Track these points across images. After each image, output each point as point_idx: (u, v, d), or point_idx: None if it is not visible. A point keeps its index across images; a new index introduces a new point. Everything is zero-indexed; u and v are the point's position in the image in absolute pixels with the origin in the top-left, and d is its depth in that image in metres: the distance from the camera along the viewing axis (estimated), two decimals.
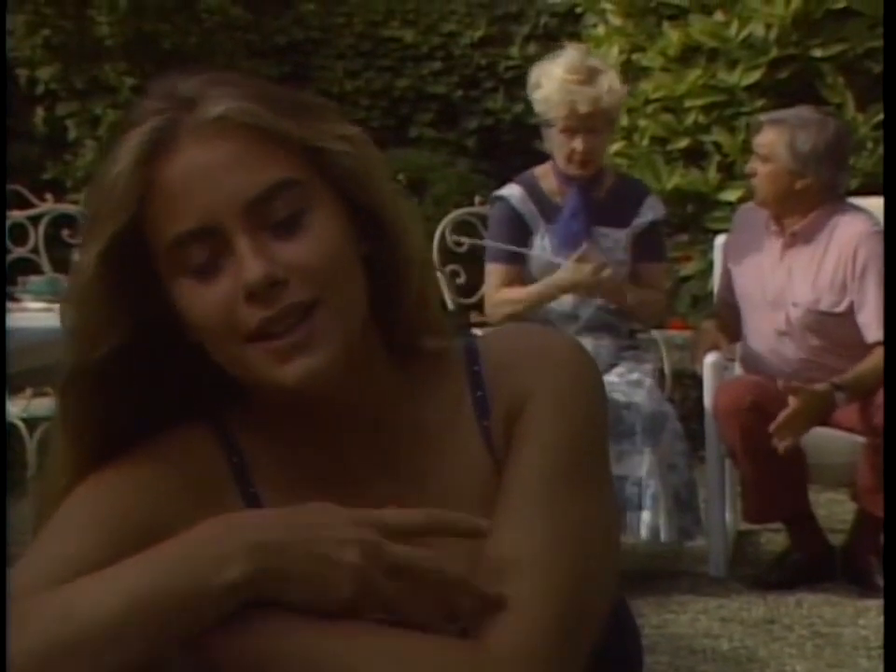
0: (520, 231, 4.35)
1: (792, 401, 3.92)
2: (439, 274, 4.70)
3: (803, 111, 4.32)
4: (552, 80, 4.31)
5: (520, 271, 4.35)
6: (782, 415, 3.91)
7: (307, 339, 1.16)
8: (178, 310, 1.20)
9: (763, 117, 4.51)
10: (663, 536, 4.07)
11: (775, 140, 4.21)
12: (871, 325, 4.06)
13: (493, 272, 4.41)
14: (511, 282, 4.35)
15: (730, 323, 4.44)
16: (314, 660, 1.11)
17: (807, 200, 4.18)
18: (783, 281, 4.22)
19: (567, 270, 4.25)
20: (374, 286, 1.22)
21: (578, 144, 4.28)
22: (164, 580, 1.08)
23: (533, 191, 4.38)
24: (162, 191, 1.17)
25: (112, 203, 1.17)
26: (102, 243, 1.18)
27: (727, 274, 4.48)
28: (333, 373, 1.17)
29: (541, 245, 4.33)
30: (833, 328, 4.15)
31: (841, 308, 4.12)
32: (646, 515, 4.06)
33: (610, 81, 4.33)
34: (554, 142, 4.35)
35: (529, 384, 1.25)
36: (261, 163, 1.17)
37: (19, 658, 1.05)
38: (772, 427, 3.91)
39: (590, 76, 4.31)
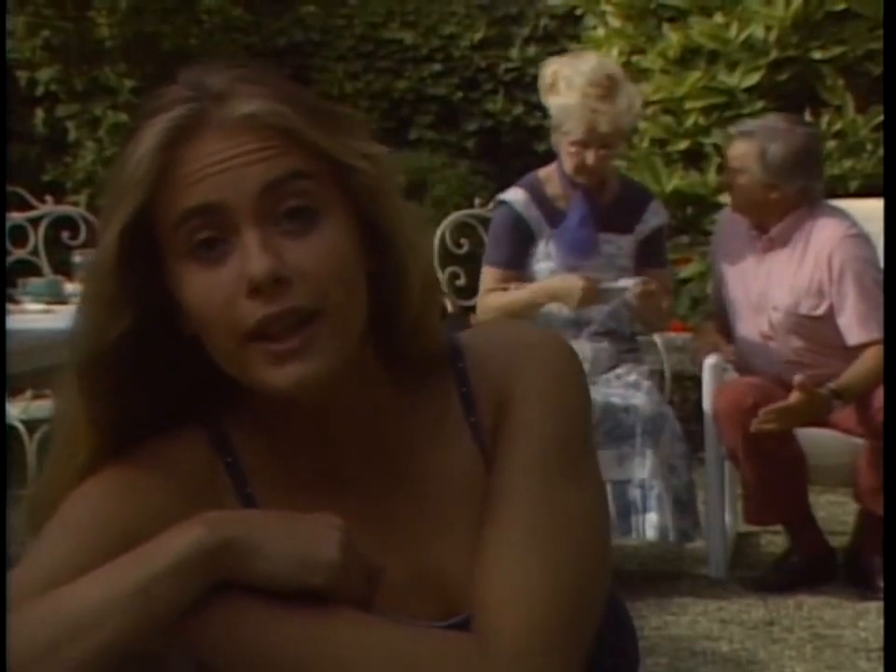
0: (523, 236, 4.32)
1: (795, 395, 3.93)
2: (438, 275, 4.68)
3: (771, 121, 4.32)
4: (572, 90, 4.23)
5: (517, 276, 4.31)
6: (779, 404, 3.92)
7: (304, 346, 1.16)
8: (179, 299, 1.19)
9: (733, 129, 4.52)
10: (671, 536, 4.07)
11: (746, 153, 4.21)
12: (851, 328, 4.08)
13: (487, 274, 4.38)
14: (503, 286, 4.32)
15: (727, 324, 4.44)
16: (309, 653, 1.12)
17: (782, 207, 4.18)
18: (763, 285, 4.23)
19: (556, 279, 4.24)
20: (375, 301, 1.22)
21: (590, 158, 4.24)
22: (144, 561, 1.12)
23: (537, 196, 4.34)
24: (179, 175, 1.17)
25: (132, 184, 1.18)
26: (122, 222, 1.18)
27: (717, 277, 4.49)
28: (326, 383, 1.18)
29: (546, 251, 4.31)
30: (814, 330, 4.16)
31: (820, 311, 4.13)
32: (652, 517, 4.05)
33: (630, 97, 4.28)
34: (564, 149, 4.30)
35: (511, 379, 1.26)
36: (280, 157, 1.18)
37: (11, 666, 1.07)
38: (762, 411, 3.91)
39: (611, 89, 4.23)
